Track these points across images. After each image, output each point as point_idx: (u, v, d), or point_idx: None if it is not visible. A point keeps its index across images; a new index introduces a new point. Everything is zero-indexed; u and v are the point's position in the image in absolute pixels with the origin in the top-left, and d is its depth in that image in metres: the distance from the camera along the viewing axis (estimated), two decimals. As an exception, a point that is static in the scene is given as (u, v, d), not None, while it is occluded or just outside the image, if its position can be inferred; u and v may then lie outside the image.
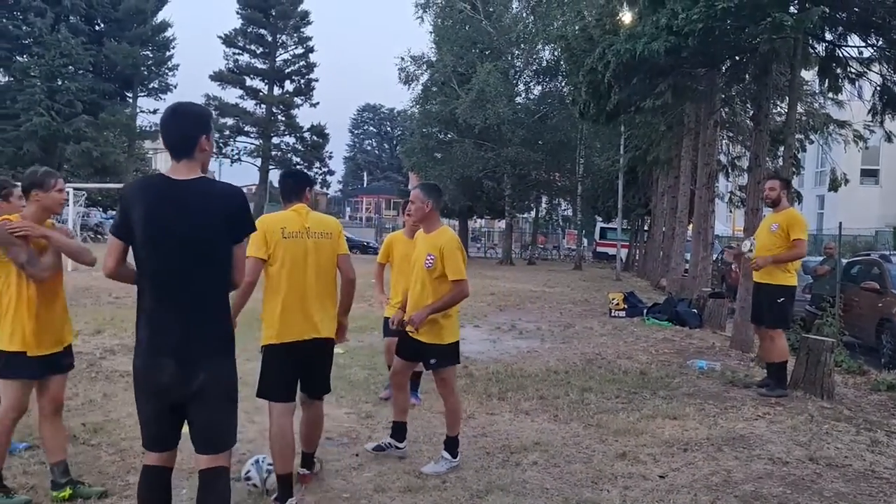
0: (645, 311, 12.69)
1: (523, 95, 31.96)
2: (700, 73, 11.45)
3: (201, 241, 2.70)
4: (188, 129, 2.77)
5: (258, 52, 47.16)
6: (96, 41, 39.39)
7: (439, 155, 32.55)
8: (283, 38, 47.13)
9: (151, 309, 2.71)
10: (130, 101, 42.75)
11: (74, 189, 20.53)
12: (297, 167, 47.71)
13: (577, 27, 18.94)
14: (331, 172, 51.91)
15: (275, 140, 47.70)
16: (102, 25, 41.23)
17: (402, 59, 31.16)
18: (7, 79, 38.28)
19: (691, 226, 15.74)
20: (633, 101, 11.71)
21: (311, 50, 47.79)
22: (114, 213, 43.54)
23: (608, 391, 6.71)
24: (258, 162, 46.90)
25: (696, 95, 12.45)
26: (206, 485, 2.78)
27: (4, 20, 36.98)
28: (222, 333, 2.80)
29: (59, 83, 36.29)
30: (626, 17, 13.00)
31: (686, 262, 16.19)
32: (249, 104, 47.28)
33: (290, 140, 48.54)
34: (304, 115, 47.79)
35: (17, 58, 37.21)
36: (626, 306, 12.95)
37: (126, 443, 4.68)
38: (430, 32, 31.21)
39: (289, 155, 47.97)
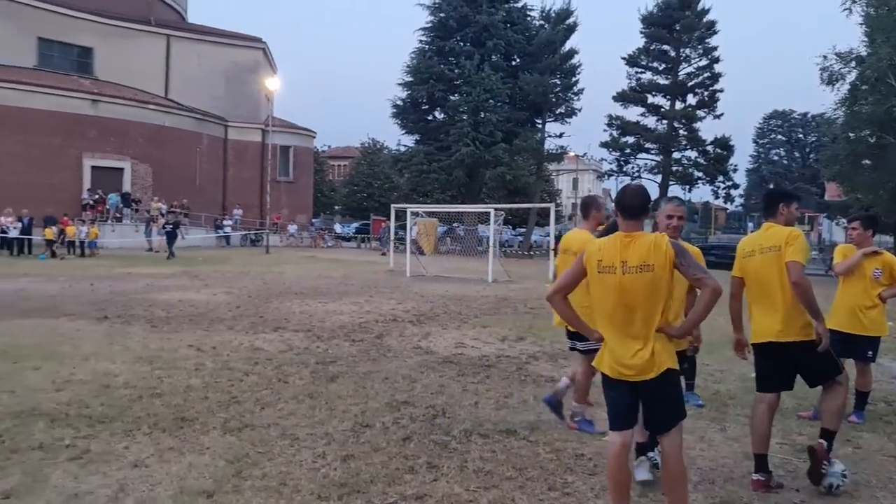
0: None
1: None
2: None
3: None
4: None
5: (660, 68, 47.03)
6: (512, 75, 43.47)
7: (869, 161, 28.35)
8: (687, 51, 46.17)
9: None
10: (539, 126, 46.10)
11: (495, 209, 23.19)
12: (698, 180, 46.25)
13: None
14: (735, 186, 49.09)
15: (675, 155, 46.87)
16: (517, 60, 45.29)
17: (825, 57, 27.85)
18: (442, 116, 44.69)
19: None
20: None
21: (716, 60, 45.87)
22: (522, 230, 47.66)
23: None
24: (658, 178, 46.65)
25: None
26: None
27: (442, 66, 43.26)
28: None
29: (482, 116, 41.07)
30: None
31: None
32: (650, 121, 47.36)
33: (692, 154, 47.19)
34: (707, 128, 45.92)
35: (450, 97, 43.13)
36: None
37: (560, 443, 4.97)
38: (860, 24, 27.44)
39: (690, 170, 46.69)
